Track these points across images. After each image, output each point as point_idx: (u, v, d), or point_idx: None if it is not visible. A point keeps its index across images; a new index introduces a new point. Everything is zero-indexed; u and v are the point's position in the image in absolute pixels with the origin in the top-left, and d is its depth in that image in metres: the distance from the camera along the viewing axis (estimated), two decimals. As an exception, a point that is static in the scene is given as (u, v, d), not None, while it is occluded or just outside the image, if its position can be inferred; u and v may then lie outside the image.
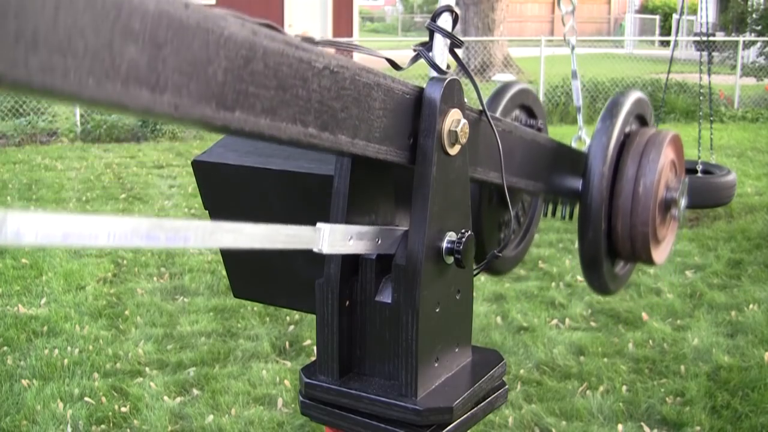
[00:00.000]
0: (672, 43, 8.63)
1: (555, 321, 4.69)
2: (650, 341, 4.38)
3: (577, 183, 1.72)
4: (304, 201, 1.21)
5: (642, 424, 3.52)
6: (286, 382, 3.90)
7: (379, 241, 1.07)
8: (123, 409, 3.64)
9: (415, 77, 10.02)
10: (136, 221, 0.70)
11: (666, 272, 5.55)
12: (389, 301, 1.08)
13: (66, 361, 4.11)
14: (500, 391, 1.19)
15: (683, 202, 1.81)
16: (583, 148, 1.88)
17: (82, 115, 11.43)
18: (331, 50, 0.92)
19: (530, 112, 1.81)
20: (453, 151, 1.07)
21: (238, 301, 4.74)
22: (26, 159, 9.73)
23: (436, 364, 1.10)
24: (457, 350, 1.15)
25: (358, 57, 21.53)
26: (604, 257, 1.75)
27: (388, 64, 1.15)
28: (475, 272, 1.17)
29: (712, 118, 7.54)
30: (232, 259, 1.36)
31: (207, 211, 1.33)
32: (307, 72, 0.83)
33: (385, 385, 1.08)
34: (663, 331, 4.52)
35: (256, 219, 1.30)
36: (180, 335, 4.51)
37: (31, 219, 0.59)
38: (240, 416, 3.58)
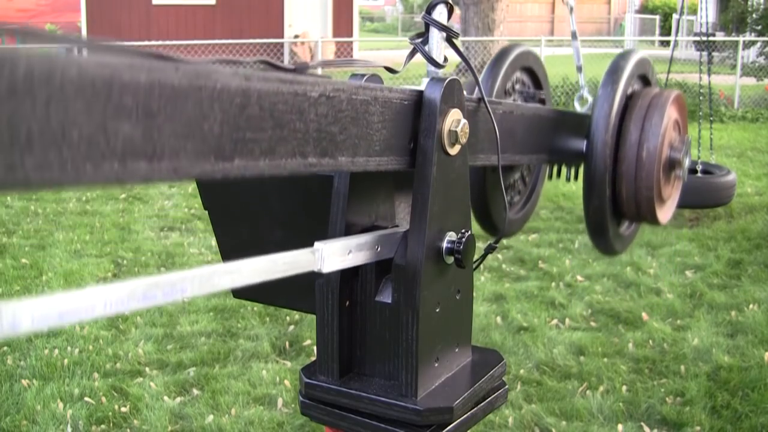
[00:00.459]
0: (672, 43, 8.63)
1: (555, 321, 4.69)
2: (650, 341, 4.38)
3: (580, 144, 1.73)
4: (304, 201, 1.21)
5: (642, 424, 3.52)
6: (286, 382, 3.90)
7: (379, 248, 1.07)
8: (123, 409, 3.64)
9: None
10: (131, 285, 0.69)
11: (666, 272, 5.56)
12: (389, 301, 1.08)
13: (66, 361, 4.11)
14: (500, 391, 1.19)
15: (687, 161, 1.82)
16: (586, 107, 1.90)
17: (82, 115, 11.44)
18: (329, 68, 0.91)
19: (532, 74, 1.83)
20: (453, 151, 1.07)
21: (238, 301, 4.73)
22: (26, 159, 9.73)
23: (436, 364, 1.10)
24: (457, 350, 1.15)
25: (358, 57, 21.50)
26: (610, 222, 1.77)
27: (386, 62, 1.14)
28: (475, 266, 1.17)
29: (712, 118, 7.54)
30: (232, 259, 1.36)
31: (207, 212, 1.33)
32: (304, 104, 0.82)
33: (386, 385, 1.08)
34: (663, 331, 4.52)
35: (256, 219, 1.30)
36: (180, 335, 4.51)
37: (26, 306, 0.58)
38: (240, 416, 3.58)
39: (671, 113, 1.77)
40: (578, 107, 1.95)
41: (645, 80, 1.89)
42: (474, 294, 1.18)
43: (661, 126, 1.71)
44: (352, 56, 21.21)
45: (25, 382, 3.88)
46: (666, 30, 29.55)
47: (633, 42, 26.57)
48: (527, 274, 5.58)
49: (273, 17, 20.44)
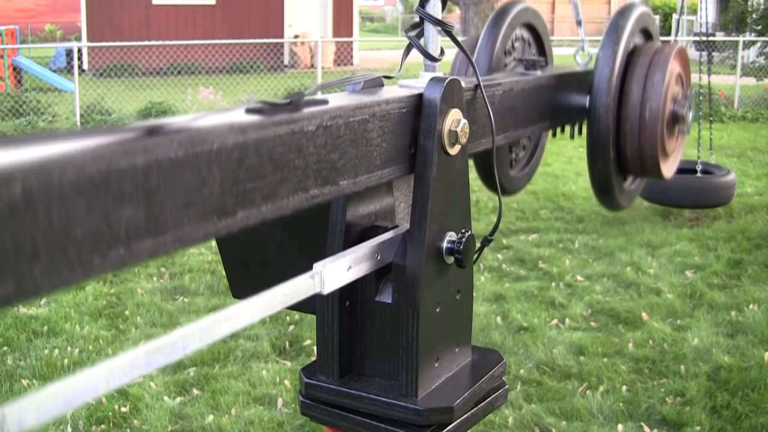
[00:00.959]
0: (672, 43, 8.61)
1: (555, 321, 4.69)
2: (650, 341, 4.38)
3: (583, 101, 1.73)
4: None
5: (642, 424, 3.52)
6: (286, 382, 3.90)
7: (379, 257, 1.06)
8: (123, 409, 3.64)
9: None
10: (131, 355, 0.67)
11: (666, 272, 5.55)
12: (389, 301, 1.08)
13: (66, 361, 4.11)
14: (500, 391, 1.19)
15: (690, 115, 1.82)
16: (586, 60, 1.90)
17: (82, 116, 11.43)
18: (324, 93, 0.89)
19: (532, 30, 1.84)
20: (453, 151, 1.07)
21: (238, 302, 4.73)
22: (26, 159, 9.73)
23: (437, 364, 1.10)
24: (457, 350, 1.15)
25: (358, 57, 21.50)
26: (615, 181, 1.78)
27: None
28: (473, 259, 1.17)
29: (711, 118, 7.54)
30: (232, 259, 1.36)
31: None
32: (301, 140, 0.81)
33: (386, 385, 1.08)
34: (663, 331, 4.52)
35: None
36: (180, 335, 4.51)
37: (29, 403, 0.57)
38: (240, 416, 3.58)
39: (673, 68, 1.76)
40: (579, 60, 1.94)
41: (647, 34, 1.88)
42: (474, 294, 1.18)
43: (663, 84, 1.69)
44: (352, 56, 21.19)
45: (25, 382, 3.89)
46: (666, 30, 29.54)
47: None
48: (527, 274, 5.58)
49: (273, 17, 20.44)
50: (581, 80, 1.76)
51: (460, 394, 1.08)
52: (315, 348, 1.59)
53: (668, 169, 1.82)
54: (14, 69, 15.77)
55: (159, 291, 5.23)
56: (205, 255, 5.91)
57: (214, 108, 12.50)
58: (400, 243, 1.07)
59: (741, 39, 15.06)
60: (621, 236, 6.36)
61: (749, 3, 19.51)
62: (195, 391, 3.83)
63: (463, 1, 16.57)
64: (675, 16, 24.93)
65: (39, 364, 4.07)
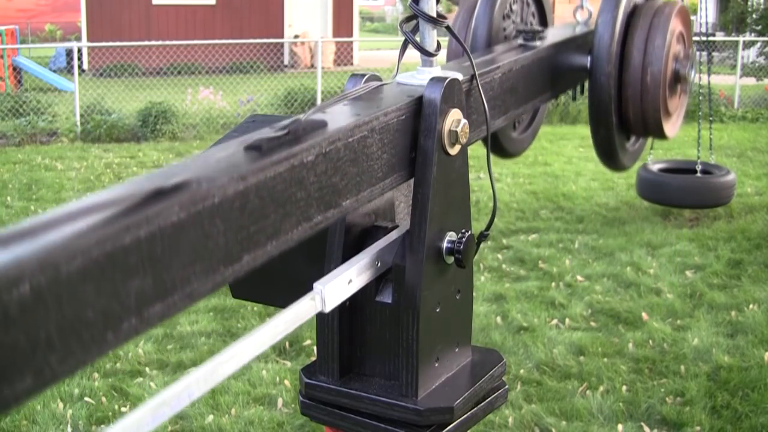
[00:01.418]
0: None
1: (555, 321, 4.69)
2: (650, 341, 4.38)
3: (584, 61, 1.72)
4: None
5: (642, 424, 3.52)
6: (286, 382, 3.90)
7: (379, 263, 1.06)
8: (123, 409, 3.64)
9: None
10: (137, 415, 0.65)
11: (666, 272, 5.55)
12: (389, 301, 1.08)
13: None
14: (500, 391, 1.19)
15: (692, 74, 1.81)
16: (586, 17, 1.90)
17: (82, 116, 11.42)
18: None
19: None
20: (453, 151, 1.07)
21: (238, 301, 4.73)
22: (26, 159, 9.73)
23: (437, 364, 1.09)
24: (457, 350, 1.15)
25: (358, 57, 21.49)
26: (618, 145, 1.77)
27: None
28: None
29: (711, 118, 7.54)
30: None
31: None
32: (302, 172, 0.79)
33: (386, 385, 1.08)
34: (663, 331, 4.52)
35: None
36: (180, 335, 4.51)
37: None
38: (240, 416, 3.58)
39: (674, 27, 1.74)
40: (579, 18, 1.93)
41: None
42: (474, 294, 1.18)
43: (664, 47, 1.68)
44: (352, 56, 21.19)
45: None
46: (666, 30, 29.50)
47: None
48: (527, 274, 5.58)
49: (273, 17, 20.44)
50: (581, 43, 1.74)
51: (460, 394, 1.08)
52: (315, 348, 1.59)
53: (671, 128, 1.81)
54: (14, 69, 15.78)
55: (159, 291, 5.23)
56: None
57: (213, 109, 12.35)
58: (400, 243, 1.07)
59: (741, 39, 15.06)
60: (621, 236, 6.36)
61: (749, 3, 19.50)
62: (195, 391, 3.83)
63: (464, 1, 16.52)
64: (675, 16, 24.89)
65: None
